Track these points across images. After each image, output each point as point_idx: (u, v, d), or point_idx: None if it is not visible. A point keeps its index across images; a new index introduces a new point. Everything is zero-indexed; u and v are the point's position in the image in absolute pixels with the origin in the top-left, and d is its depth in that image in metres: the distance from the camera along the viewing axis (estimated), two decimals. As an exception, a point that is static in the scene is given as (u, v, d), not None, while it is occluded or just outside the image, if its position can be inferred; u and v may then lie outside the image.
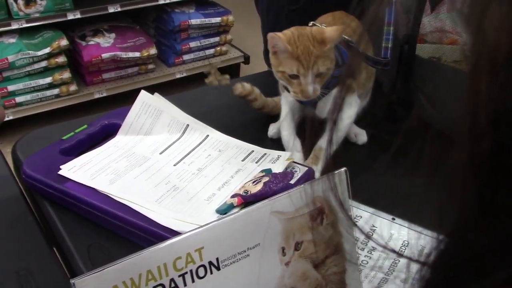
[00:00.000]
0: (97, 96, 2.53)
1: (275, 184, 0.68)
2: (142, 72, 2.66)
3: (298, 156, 0.85)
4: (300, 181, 0.74)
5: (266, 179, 0.69)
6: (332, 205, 0.53)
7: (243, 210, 0.47)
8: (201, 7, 2.76)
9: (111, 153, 0.81)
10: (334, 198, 0.49)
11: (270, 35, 0.82)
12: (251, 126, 0.99)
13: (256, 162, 0.80)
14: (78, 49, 2.49)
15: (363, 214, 0.77)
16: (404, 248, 0.73)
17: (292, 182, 0.72)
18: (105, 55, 2.46)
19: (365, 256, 0.71)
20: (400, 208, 0.78)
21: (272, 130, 0.97)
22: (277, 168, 0.76)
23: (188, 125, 0.88)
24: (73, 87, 2.47)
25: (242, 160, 0.81)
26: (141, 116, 0.87)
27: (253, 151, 0.83)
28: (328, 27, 0.83)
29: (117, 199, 0.71)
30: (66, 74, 2.43)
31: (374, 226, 0.76)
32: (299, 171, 0.76)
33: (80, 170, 0.76)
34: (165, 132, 0.86)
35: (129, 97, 1.34)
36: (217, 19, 2.73)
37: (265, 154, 0.82)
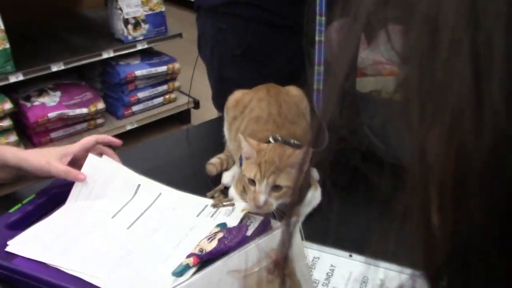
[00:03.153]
0: (46, 156, 2.47)
1: (229, 240, 0.68)
2: (92, 128, 2.63)
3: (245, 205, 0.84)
4: (257, 232, 0.74)
5: (220, 235, 0.70)
6: (288, 256, 0.54)
7: (198, 275, 0.47)
8: (146, 58, 2.77)
9: (60, 222, 0.79)
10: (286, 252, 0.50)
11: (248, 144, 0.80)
12: (205, 175, 0.99)
13: (211, 217, 0.80)
14: (23, 110, 2.44)
15: (320, 255, 0.78)
16: (364, 284, 0.74)
17: (248, 234, 0.73)
18: (51, 114, 2.42)
19: (327, 298, 0.71)
20: (357, 243, 0.79)
21: (226, 178, 0.97)
22: (232, 220, 0.77)
23: (139, 185, 0.87)
24: (20, 150, 2.40)
25: (197, 216, 0.81)
26: (90, 180, 0.86)
27: (207, 205, 0.83)
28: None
29: (70, 272, 0.69)
30: (12, 137, 2.37)
31: (332, 266, 0.77)
32: (255, 222, 0.77)
33: (29, 244, 0.74)
34: (117, 195, 0.85)
35: None
36: (163, 68, 2.75)
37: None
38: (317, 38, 1.06)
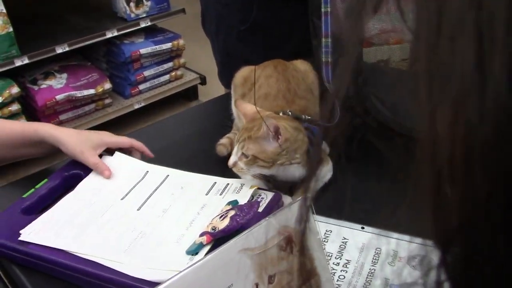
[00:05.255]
0: (56, 138, 2.48)
1: (241, 217, 0.68)
2: (100, 108, 2.63)
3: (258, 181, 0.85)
4: (268, 208, 0.74)
5: (232, 212, 0.70)
6: (306, 231, 0.54)
7: (210, 255, 0.47)
8: (150, 35, 2.75)
9: (71, 207, 0.80)
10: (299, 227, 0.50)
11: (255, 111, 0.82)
12: (214, 154, 0.99)
13: (220, 194, 0.80)
14: (30, 94, 2.45)
15: (332, 228, 0.79)
16: (377, 255, 0.74)
17: (260, 210, 0.73)
18: (59, 97, 2.43)
19: (341, 270, 0.72)
20: (369, 215, 0.79)
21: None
22: (243, 197, 0.77)
23: (147, 171, 0.88)
24: (30, 134, 2.42)
25: (206, 194, 0.81)
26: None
27: (215, 182, 0.83)
28: (284, 123, 0.79)
29: (84, 256, 0.69)
30: (22, 121, 2.38)
31: (345, 238, 0.77)
32: (266, 198, 0.77)
33: (41, 231, 0.75)
34: (125, 178, 0.86)
35: None
36: (168, 45, 2.73)
37: (228, 184, 0.82)
38: (323, 10, 1.04)
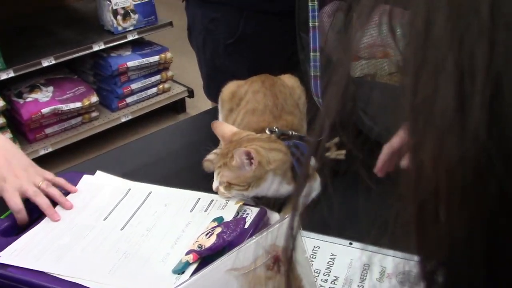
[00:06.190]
0: (42, 152, 2.45)
1: (228, 234, 0.68)
2: (87, 121, 2.61)
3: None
4: (254, 223, 0.74)
5: (219, 229, 0.69)
6: (293, 250, 0.53)
7: (196, 275, 0.46)
8: (137, 48, 2.74)
9: (52, 228, 0.78)
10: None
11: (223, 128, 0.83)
12: (201, 169, 0.98)
13: (205, 211, 0.79)
14: (16, 107, 2.42)
15: (320, 244, 0.78)
16: (365, 272, 0.74)
17: (246, 226, 0.72)
18: (45, 110, 2.40)
19: (329, 287, 0.71)
20: (357, 231, 0.79)
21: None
22: (228, 213, 0.76)
23: (129, 189, 0.87)
24: (15, 147, 2.39)
25: (191, 211, 0.80)
26: (81, 193, 0.86)
27: (199, 198, 0.82)
28: (258, 146, 0.79)
29: (66, 278, 0.68)
30: (7, 135, 2.34)
31: (333, 254, 0.77)
32: (252, 213, 0.76)
33: (22, 253, 0.73)
34: (107, 198, 0.85)
35: (76, 149, 1.26)
36: (155, 58, 2.72)
37: (212, 200, 0.81)
38: (310, 24, 1.05)
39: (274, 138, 0.83)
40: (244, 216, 0.77)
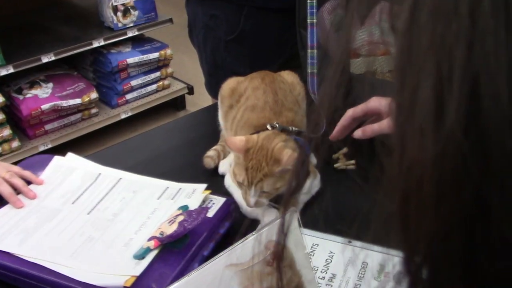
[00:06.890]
0: (42, 148, 2.45)
1: (189, 223, 0.69)
2: (86, 118, 2.61)
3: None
4: (218, 213, 0.75)
5: (181, 218, 0.70)
6: (287, 247, 0.53)
7: (196, 271, 0.46)
8: (137, 45, 2.74)
9: (19, 211, 0.79)
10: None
11: (236, 140, 0.81)
12: (201, 165, 0.98)
13: (172, 199, 0.80)
14: (15, 103, 2.42)
15: (318, 241, 0.78)
16: (363, 270, 0.74)
17: (210, 215, 0.73)
18: (44, 106, 2.40)
19: (326, 285, 0.71)
20: (355, 228, 0.79)
21: (222, 166, 0.97)
22: (194, 202, 0.77)
23: (100, 174, 0.87)
24: (15, 144, 2.39)
25: (158, 199, 0.81)
26: (51, 176, 0.87)
27: (168, 187, 0.83)
28: (288, 150, 0.78)
29: (29, 259, 0.69)
30: (6, 131, 2.35)
31: (331, 252, 0.77)
32: (217, 203, 0.77)
33: None
34: (77, 183, 0.85)
35: (76, 145, 1.26)
36: (155, 55, 2.72)
37: (180, 189, 0.82)
38: (309, 21, 1.05)
39: (277, 132, 0.83)
40: (209, 206, 0.78)
